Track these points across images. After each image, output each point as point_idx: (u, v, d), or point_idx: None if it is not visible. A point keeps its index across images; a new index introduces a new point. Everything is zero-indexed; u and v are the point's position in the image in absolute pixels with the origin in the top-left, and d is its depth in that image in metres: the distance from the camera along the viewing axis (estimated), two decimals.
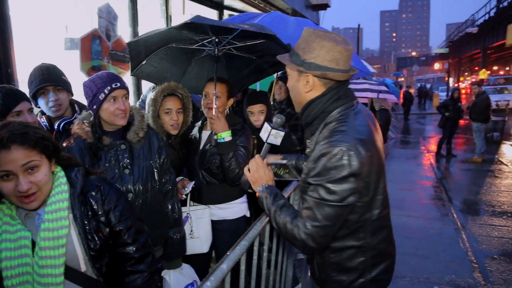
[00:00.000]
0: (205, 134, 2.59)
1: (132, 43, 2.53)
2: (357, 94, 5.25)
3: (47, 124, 2.41)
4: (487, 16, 25.75)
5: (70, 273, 1.35)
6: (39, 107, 2.43)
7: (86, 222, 1.40)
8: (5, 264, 1.28)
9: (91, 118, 2.00)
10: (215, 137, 2.39)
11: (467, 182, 7.93)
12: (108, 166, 1.95)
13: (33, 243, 1.32)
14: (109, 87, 1.91)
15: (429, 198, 6.69)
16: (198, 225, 2.48)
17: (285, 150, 2.24)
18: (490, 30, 24.39)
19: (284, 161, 1.77)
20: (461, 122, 11.04)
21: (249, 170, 1.68)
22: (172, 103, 2.49)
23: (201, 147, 2.56)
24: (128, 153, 2.00)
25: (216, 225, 2.57)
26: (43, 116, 2.45)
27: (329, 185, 1.32)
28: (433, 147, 11.43)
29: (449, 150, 10.02)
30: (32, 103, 2.19)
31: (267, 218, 1.92)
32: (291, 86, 1.56)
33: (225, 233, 2.57)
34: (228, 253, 1.40)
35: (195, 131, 2.66)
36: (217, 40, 2.50)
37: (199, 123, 2.69)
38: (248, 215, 2.72)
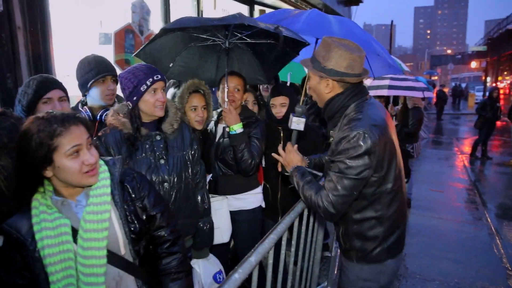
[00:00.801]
0: (220, 128, 2.67)
1: (140, 54, 2.63)
2: (402, 92, 5.11)
3: (90, 114, 2.47)
4: None
5: (110, 256, 1.40)
6: (85, 96, 2.52)
7: (126, 207, 1.47)
8: (48, 251, 1.33)
9: (127, 109, 2.05)
10: (227, 129, 2.50)
11: (503, 186, 7.59)
12: (144, 157, 2.01)
13: (73, 230, 1.37)
14: (151, 79, 1.95)
15: (462, 200, 6.45)
16: (217, 215, 2.54)
17: (311, 141, 2.75)
18: None
19: (320, 174, 2.06)
20: (498, 123, 10.54)
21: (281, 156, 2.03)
22: (197, 100, 2.54)
23: (216, 139, 2.65)
24: (163, 143, 2.06)
25: (233, 215, 2.65)
26: (85, 106, 2.52)
27: (348, 161, 1.61)
28: (467, 148, 11.00)
29: (484, 152, 9.59)
30: (63, 91, 2.19)
31: (296, 213, 1.93)
32: (313, 87, 1.85)
33: (242, 224, 2.67)
34: (256, 246, 1.40)
35: (211, 125, 2.75)
36: (226, 33, 2.60)
37: (215, 117, 2.77)
38: (263, 205, 2.80)
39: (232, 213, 2.65)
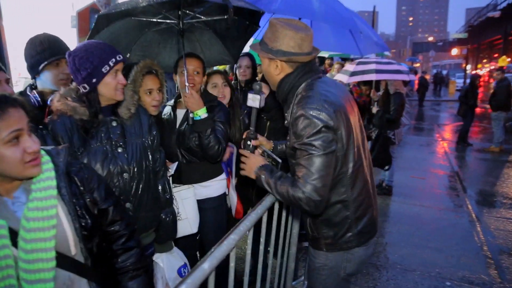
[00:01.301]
0: (180, 113, 2.51)
1: None
2: (390, 76, 4.97)
3: (39, 99, 2.22)
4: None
5: (59, 258, 1.23)
6: (34, 79, 2.27)
7: (75, 201, 1.31)
8: None
9: (76, 93, 1.82)
10: (191, 115, 2.33)
11: (483, 172, 7.60)
12: (99, 145, 1.80)
13: (11, 232, 1.17)
14: (114, 60, 1.75)
15: (443, 187, 6.41)
16: (184, 205, 2.41)
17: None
18: None
19: (280, 161, 1.96)
20: (477, 110, 10.58)
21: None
22: (152, 82, 2.31)
23: (177, 126, 2.48)
24: (120, 130, 1.86)
25: (200, 204, 2.52)
26: (33, 90, 2.26)
27: (309, 140, 1.54)
28: (447, 134, 11.05)
29: (465, 139, 9.64)
30: (7, 74, 2.01)
31: (264, 208, 1.75)
32: (264, 70, 1.80)
33: (209, 211, 2.56)
34: (212, 250, 1.20)
35: (168, 110, 2.57)
36: (179, 13, 2.44)
37: (172, 102, 2.59)
38: (227, 192, 2.70)
39: (199, 202, 2.52)
